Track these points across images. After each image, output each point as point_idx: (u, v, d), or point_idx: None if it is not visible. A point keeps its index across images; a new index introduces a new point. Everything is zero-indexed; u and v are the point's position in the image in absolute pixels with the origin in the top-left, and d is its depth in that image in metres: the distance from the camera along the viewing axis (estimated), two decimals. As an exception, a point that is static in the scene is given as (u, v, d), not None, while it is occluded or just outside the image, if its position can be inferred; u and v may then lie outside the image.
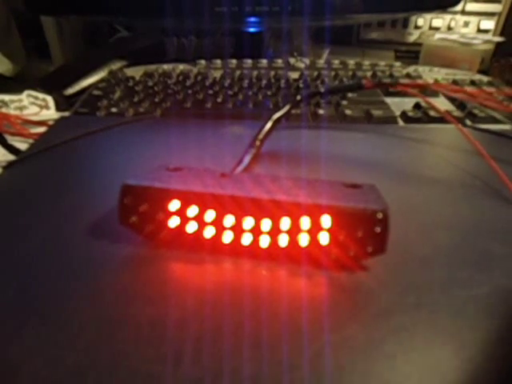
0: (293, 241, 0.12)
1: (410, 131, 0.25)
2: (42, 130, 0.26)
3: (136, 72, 0.35)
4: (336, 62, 0.39)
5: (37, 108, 0.32)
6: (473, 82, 0.33)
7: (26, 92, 0.32)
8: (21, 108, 0.32)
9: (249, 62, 0.39)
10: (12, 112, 0.31)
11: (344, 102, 0.29)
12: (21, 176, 0.19)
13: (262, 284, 0.12)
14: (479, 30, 0.47)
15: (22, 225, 0.15)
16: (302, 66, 0.39)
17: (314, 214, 0.12)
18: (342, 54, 0.49)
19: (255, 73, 0.35)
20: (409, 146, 0.23)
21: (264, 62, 0.39)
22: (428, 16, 0.47)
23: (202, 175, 0.14)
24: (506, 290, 0.12)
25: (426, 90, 0.29)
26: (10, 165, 0.20)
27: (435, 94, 0.30)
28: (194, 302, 0.11)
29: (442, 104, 0.29)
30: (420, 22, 0.48)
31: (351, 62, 0.39)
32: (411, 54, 0.50)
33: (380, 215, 0.11)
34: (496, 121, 0.24)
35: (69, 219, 0.15)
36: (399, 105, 0.29)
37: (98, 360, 0.10)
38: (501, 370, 0.10)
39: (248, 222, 0.12)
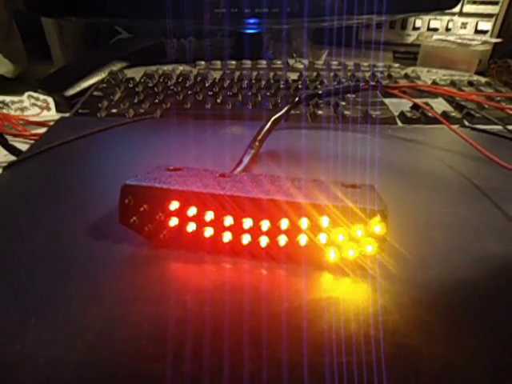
0: (292, 240, 0.13)
1: (408, 132, 0.25)
2: (42, 130, 0.27)
3: (136, 73, 0.36)
4: (335, 62, 0.39)
5: (38, 109, 0.32)
6: (470, 83, 0.33)
7: (27, 93, 0.32)
8: (22, 109, 0.32)
9: (248, 62, 0.39)
10: (13, 113, 0.32)
11: (343, 103, 0.29)
12: (21, 176, 0.19)
13: (261, 283, 0.12)
14: (477, 32, 0.47)
15: (22, 225, 0.15)
16: (301, 66, 0.39)
17: (313, 213, 0.12)
18: (341, 55, 0.50)
19: (254, 74, 0.35)
20: (407, 147, 0.23)
21: (263, 62, 0.39)
22: (426, 17, 0.48)
23: (201, 175, 0.14)
24: (506, 290, 0.12)
25: (424, 92, 0.30)
26: (10, 165, 0.20)
27: (434, 94, 0.31)
28: (193, 301, 0.11)
29: (440, 105, 0.30)
30: (418, 23, 0.48)
31: (350, 63, 0.39)
32: (409, 54, 0.50)
33: (379, 215, 0.12)
34: (493, 122, 0.25)
35: (69, 219, 0.15)
36: (398, 105, 0.29)
37: (98, 360, 0.10)
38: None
39: (247, 222, 0.13)
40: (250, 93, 0.30)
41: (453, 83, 0.33)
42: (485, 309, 0.11)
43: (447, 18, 0.47)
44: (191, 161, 0.18)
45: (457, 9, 0.45)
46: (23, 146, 0.24)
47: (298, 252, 0.13)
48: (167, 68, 0.37)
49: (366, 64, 0.39)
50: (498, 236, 0.15)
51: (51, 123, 0.27)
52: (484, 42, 0.42)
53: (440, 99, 0.31)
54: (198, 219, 0.13)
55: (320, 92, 0.25)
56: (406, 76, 0.35)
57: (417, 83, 0.33)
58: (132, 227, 0.13)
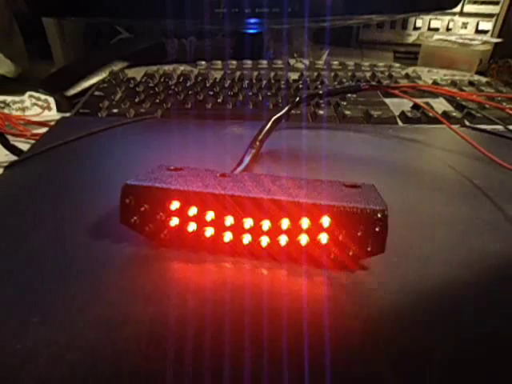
0: (293, 240, 0.13)
1: (408, 131, 0.25)
2: (43, 130, 0.27)
3: (137, 73, 0.36)
4: (335, 62, 0.39)
5: (39, 109, 0.33)
6: (471, 83, 0.33)
7: (28, 93, 0.32)
8: (23, 109, 0.32)
9: (249, 62, 0.39)
10: (14, 113, 0.32)
11: (343, 103, 0.29)
12: (22, 176, 0.19)
13: (262, 283, 0.12)
14: (477, 31, 0.47)
15: (23, 225, 0.15)
16: (301, 66, 0.39)
17: (314, 213, 0.12)
18: (342, 55, 0.50)
19: (255, 73, 0.35)
20: (408, 147, 0.23)
21: (264, 62, 0.39)
22: (427, 17, 0.48)
23: (202, 175, 0.14)
24: (507, 290, 0.12)
25: (425, 91, 0.30)
26: (11, 165, 0.20)
27: (435, 94, 0.31)
28: (194, 300, 0.11)
29: (440, 105, 0.29)
30: (419, 23, 0.48)
31: (350, 63, 0.39)
32: (410, 54, 0.50)
33: (379, 215, 0.12)
34: (494, 122, 0.25)
35: (70, 219, 0.15)
36: (398, 105, 0.29)
37: (98, 359, 0.10)
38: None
39: (248, 222, 0.13)
40: (251, 93, 0.30)
41: (453, 83, 0.33)
42: (486, 309, 0.11)
43: (448, 17, 0.47)
44: (192, 161, 0.18)
45: (457, 9, 0.45)
46: (24, 146, 0.24)
47: (298, 252, 0.13)
48: (168, 68, 0.37)
49: (366, 64, 0.39)
50: (498, 236, 0.15)
51: (52, 123, 0.27)
52: (484, 42, 0.42)
53: (441, 99, 0.31)
54: (199, 219, 0.13)
55: (321, 92, 0.25)
56: (407, 76, 0.35)
57: (417, 83, 0.33)
58: (133, 227, 0.13)
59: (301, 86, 0.32)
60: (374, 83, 0.33)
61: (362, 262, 0.13)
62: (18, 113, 0.32)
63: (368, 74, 0.36)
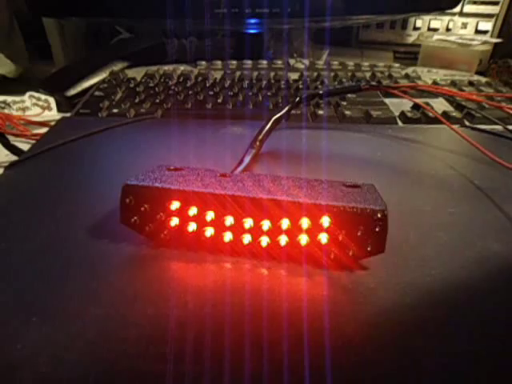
0: (293, 240, 0.13)
1: (408, 132, 0.25)
2: (44, 130, 0.27)
3: (137, 73, 0.36)
4: (335, 62, 0.39)
5: (39, 109, 0.33)
6: (471, 83, 0.33)
7: (29, 93, 0.32)
8: (23, 109, 0.32)
9: (249, 62, 0.39)
10: (14, 113, 0.32)
11: (343, 103, 0.29)
12: (22, 176, 0.19)
13: (262, 283, 0.12)
14: (477, 32, 0.47)
15: (23, 225, 0.15)
16: (301, 66, 0.39)
17: (314, 213, 0.12)
18: (342, 55, 0.50)
19: (255, 74, 0.35)
20: (408, 147, 0.23)
21: (264, 62, 0.39)
22: (426, 17, 0.48)
23: (202, 175, 0.14)
24: (508, 290, 0.12)
25: (424, 91, 0.30)
26: (11, 165, 0.20)
27: (434, 94, 0.31)
28: (194, 301, 0.11)
29: (440, 105, 0.30)
30: (419, 23, 0.48)
31: (350, 63, 0.39)
32: (410, 54, 0.50)
33: (379, 215, 0.12)
34: (494, 122, 0.25)
35: (70, 219, 0.15)
36: (398, 105, 0.29)
37: (98, 359, 0.10)
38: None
39: (248, 222, 0.13)
40: (251, 93, 0.30)
41: (453, 83, 0.33)
42: (486, 309, 0.11)
43: (447, 18, 0.47)
44: (192, 161, 0.18)
45: (457, 9, 0.45)
46: (25, 146, 0.24)
47: (298, 252, 0.13)
48: (168, 68, 0.37)
49: (366, 64, 0.39)
50: (499, 236, 0.15)
51: (52, 123, 0.27)
52: (484, 42, 0.42)
53: (440, 99, 0.31)
54: (199, 219, 0.13)
55: (321, 92, 0.25)
56: (407, 76, 0.35)
57: (417, 83, 0.33)
58: (133, 227, 0.13)
59: (301, 86, 0.32)
60: (373, 83, 0.33)
61: (362, 262, 0.13)
62: (19, 113, 0.32)
63: (368, 74, 0.36)
